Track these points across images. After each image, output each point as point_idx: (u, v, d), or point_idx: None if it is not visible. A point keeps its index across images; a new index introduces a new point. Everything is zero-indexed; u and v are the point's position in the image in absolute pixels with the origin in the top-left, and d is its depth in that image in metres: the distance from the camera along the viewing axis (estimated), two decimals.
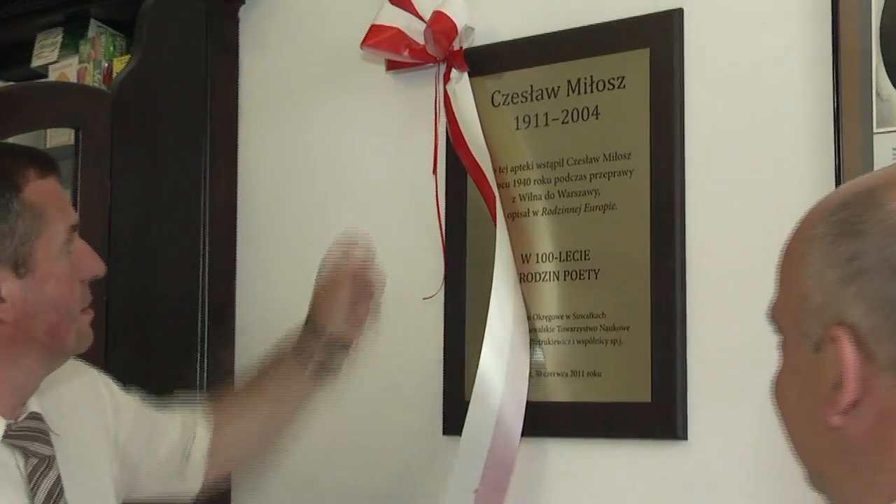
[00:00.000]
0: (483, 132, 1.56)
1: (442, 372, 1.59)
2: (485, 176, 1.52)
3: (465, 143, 1.54)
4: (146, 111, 1.73)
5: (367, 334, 1.41)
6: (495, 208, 1.50)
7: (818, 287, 0.70)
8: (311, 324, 1.38)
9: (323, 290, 1.38)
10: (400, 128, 1.66)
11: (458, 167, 1.58)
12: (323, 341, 1.36)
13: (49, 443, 1.18)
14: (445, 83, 1.58)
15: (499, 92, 1.57)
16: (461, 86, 1.56)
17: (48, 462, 1.17)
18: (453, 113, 1.56)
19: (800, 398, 0.72)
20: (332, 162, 1.72)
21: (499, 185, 1.54)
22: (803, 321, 0.70)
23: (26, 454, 1.16)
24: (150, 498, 1.35)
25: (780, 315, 0.74)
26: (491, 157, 1.55)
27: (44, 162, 1.19)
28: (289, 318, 1.52)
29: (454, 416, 1.55)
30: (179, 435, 1.36)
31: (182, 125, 1.76)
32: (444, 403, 1.58)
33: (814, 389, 0.70)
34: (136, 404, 1.35)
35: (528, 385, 1.48)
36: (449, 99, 1.56)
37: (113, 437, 1.29)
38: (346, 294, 1.37)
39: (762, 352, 1.39)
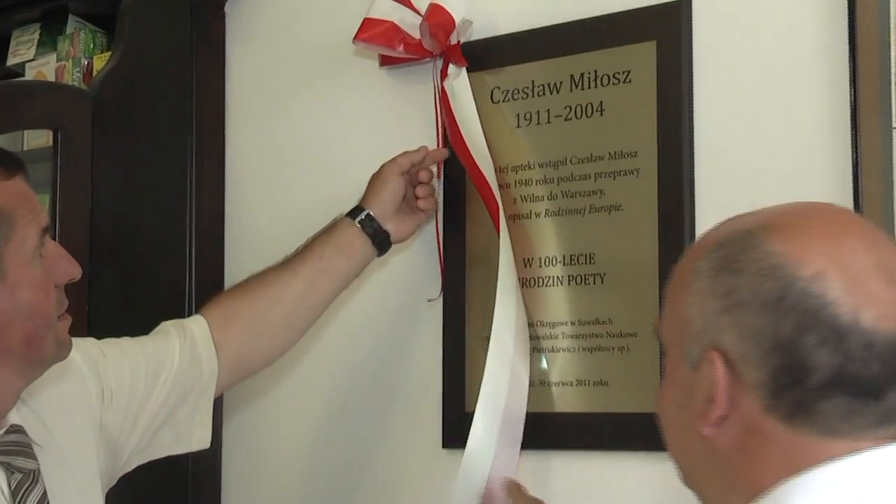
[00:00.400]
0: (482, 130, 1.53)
1: (441, 381, 1.56)
2: (485, 179, 1.48)
3: (465, 143, 1.50)
4: (128, 111, 1.71)
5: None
6: (497, 214, 1.47)
7: (699, 314, 0.82)
8: (354, 207, 1.46)
9: (377, 175, 1.46)
10: (395, 126, 1.63)
11: (457, 167, 1.55)
12: (360, 225, 1.44)
13: (33, 456, 1.16)
14: (443, 79, 1.55)
15: (498, 88, 1.54)
16: (459, 82, 1.53)
17: (33, 476, 1.15)
18: (451, 111, 1.52)
19: (678, 409, 0.84)
20: (324, 163, 1.69)
21: (500, 187, 1.51)
22: (685, 342, 0.83)
23: (10, 470, 1.14)
24: (176, 415, 1.35)
25: (666, 333, 0.86)
26: (492, 157, 1.52)
27: (8, 161, 1.15)
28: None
29: (455, 429, 1.52)
30: (178, 343, 1.36)
31: (166, 125, 1.73)
32: (443, 415, 1.55)
33: (690, 402, 0.82)
34: (129, 356, 1.33)
35: (531, 395, 1.45)
36: (446, 96, 1.53)
37: (98, 425, 1.27)
38: (400, 181, 1.46)
39: None
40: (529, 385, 1.46)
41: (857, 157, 1.30)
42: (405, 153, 1.52)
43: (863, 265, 0.79)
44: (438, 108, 1.55)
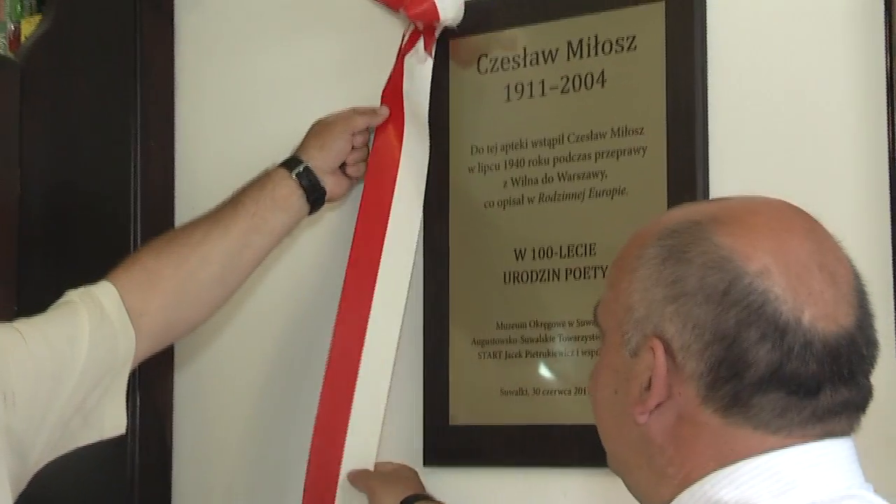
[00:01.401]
0: (466, 105, 1.47)
1: (422, 391, 1.48)
2: (390, 190, 1.44)
3: (399, 140, 1.45)
4: (62, 82, 1.64)
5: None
6: (374, 243, 1.43)
7: (643, 301, 0.86)
8: (290, 158, 1.44)
9: (325, 127, 1.45)
10: (362, 88, 1.55)
11: (439, 134, 1.47)
12: (298, 179, 1.42)
13: None
14: (404, 52, 1.47)
15: (485, 56, 1.47)
16: (420, 71, 1.45)
17: None
18: (401, 95, 1.46)
19: (613, 394, 0.88)
20: (285, 135, 1.60)
21: (487, 168, 1.45)
22: (625, 328, 0.87)
23: None
24: (86, 401, 1.30)
25: (605, 318, 0.90)
26: (478, 134, 1.45)
27: None
28: (231, 303, 1.39)
29: (438, 445, 1.45)
30: (88, 321, 1.29)
31: (107, 98, 1.64)
32: (425, 429, 1.47)
33: (626, 388, 0.86)
34: (30, 345, 1.26)
35: (527, 406, 1.40)
36: (401, 71, 1.46)
37: (2, 431, 1.23)
38: (349, 141, 1.44)
39: None
40: (522, 394, 1.41)
41: (893, 129, 1.23)
42: (361, 113, 1.47)
43: (806, 264, 0.84)
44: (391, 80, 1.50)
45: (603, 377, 0.90)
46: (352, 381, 1.42)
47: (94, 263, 1.49)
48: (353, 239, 1.46)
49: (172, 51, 1.68)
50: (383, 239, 1.44)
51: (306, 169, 1.42)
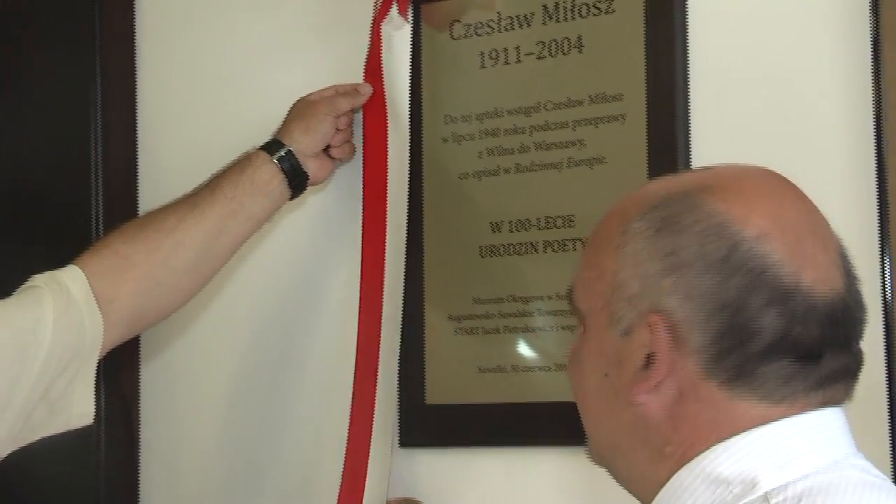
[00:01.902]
0: (439, 73, 1.44)
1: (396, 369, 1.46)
2: (384, 167, 1.42)
3: (384, 117, 1.43)
4: (13, 51, 1.61)
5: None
6: (382, 224, 1.41)
7: (635, 277, 0.84)
8: (272, 141, 1.41)
9: (307, 108, 1.42)
10: (338, 55, 1.52)
11: (411, 103, 1.44)
12: (279, 163, 1.39)
13: None
14: (379, 18, 1.44)
15: (459, 21, 1.45)
16: (399, 38, 1.44)
17: None
18: (380, 64, 1.43)
19: (603, 378, 0.86)
20: (254, 107, 1.59)
21: (461, 138, 1.43)
22: (615, 307, 0.85)
23: None
24: (52, 390, 1.26)
25: (585, 299, 0.88)
26: (451, 103, 1.43)
27: None
28: (204, 291, 1.38)
29: (413, 425, 1.43)
30: (53, 307, 1.26)
31: (65, 71, 1.60)
32: (400, 409, 1.45)
33: (619, 370, 0.84)
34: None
35: (506, 385, 1.38)
36: (379, 41, 1.44)
37: None
38: (333, 123, 1.42)
39: None
40: (500, 371, 1.40)
41: (879, 100, 1.21)
42: (343, 94, 1.44)
43: (800, 228, 0.84)
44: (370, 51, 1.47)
45: (589, 362, 0.88)
46: (375, 364, 1.40)
47: (54, 244, 1.47)
48: (363, 230, 1.43)
49: (133, 17, 1.64)
50: (386, 225, 1.42)
51: (288, 153, 1.40)
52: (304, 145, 1.40)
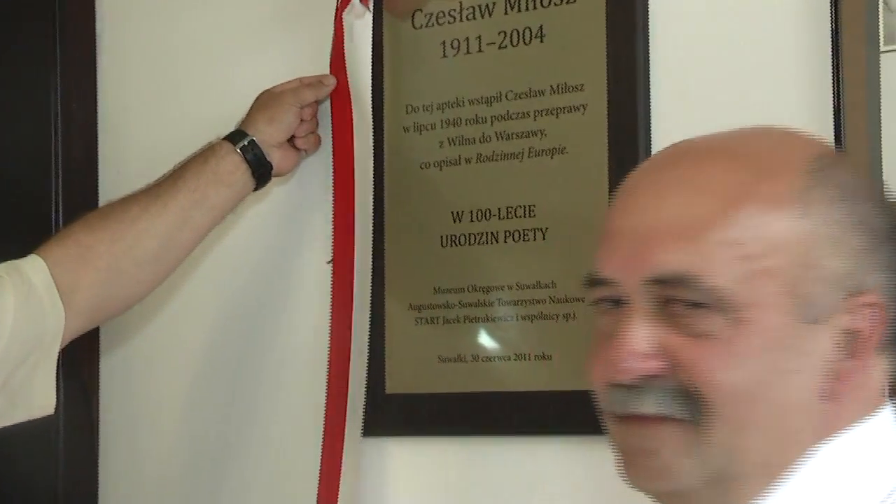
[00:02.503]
0: (400, 62, 1.44)
1: None
2: (350, 159, 1.41)
3: (348, 103, 1.42)
4: None
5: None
6: (351, 223, 1.41)
7: (837, 254, 0.73)
8: (235, 131, 1.41)
9: (272, 99, 1.42)
10: (300, 46, 1.52)
11: (373, 93, 1.45)
12: (243, 153, 1.39)
13: None
14: (342, 7, 1.44)
15: (420, 11, 1.45)
16: (360, 27, 1.43)
17: None
18: (342, 55, 1.43)
19: (785, 375, 0.73)
20: (217, 94, 1.58)
21: (423, 128, 1.43)
22: (806, 290, 0.72)
23: None
24: (12, 379, 1.26)
25: (741, 287, 0.73)
26: (413, 93, 1.43)
27: None
28: (166, 282, 1.39)
29: (376, 414, 1.43)
30: (13, 297, 1.26)
31: (23, 57, 1.59)
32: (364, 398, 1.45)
33: (809, 363, 0.73)
34: None
35: (466, 374, 1.39)
36: (342, 30, 1.43)
37: None
38: (297, 114, 1.41)
39: None
40: (460, 361, 1.40)
41: (838, 89, 1.22)
42: (308, 85, 1.44)
43: None
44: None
45: (751, 357, 0.72)
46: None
47: (14, 234, 1.46)
48: (333, 221, 1.43)
49: (94, 7, 1.62)
50: (355, 215, 1.42)
51: (251, 142, 1.40)
52: (267, 135, 1.40)
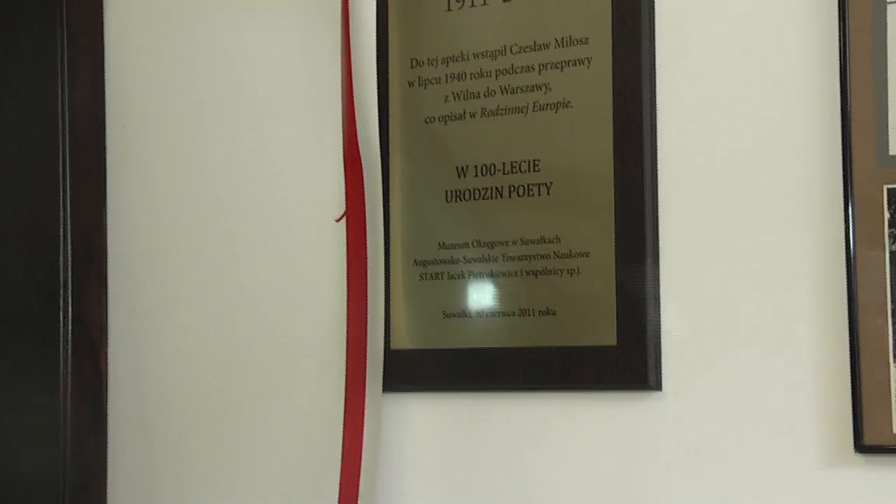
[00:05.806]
0: (405, 16, 1.45)
1: None
2: (354, 130, 1.42)
3: (349, 70, 1.43)
4: None
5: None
6: (361, 189, 1.41)
7: None
8: None
9: None
10: (304, 15, 1.54)
11: (377, 47, 1.46)
12: None
13: None
14: None
15: None
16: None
17: None
18: (348, 24, 1.44)
19: None
20: (223, 65, 1.61)
21: (427, 82, 1.44)
22: None
23: None
24: None
25: None
26: (418, 47, 1.44)
27: None
28: (169, 252, 1.41)
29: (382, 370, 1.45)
30: None
31: (28, 12, 1.60)
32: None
33: None
34: None
35: (466, 330, 1.41)
36: (348, 2, 1.44)
37: None
38: None
39: (752, 281, 1.32)
40: (465, 316, 1.42)
41: (844, 41, 1.25)
42: None
43: None
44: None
45: None
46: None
47: (22, 194, 1.49)
48: (345, 178, 1.44)
49: None
50: (363, 172, 1.43)
51: None
52: None
